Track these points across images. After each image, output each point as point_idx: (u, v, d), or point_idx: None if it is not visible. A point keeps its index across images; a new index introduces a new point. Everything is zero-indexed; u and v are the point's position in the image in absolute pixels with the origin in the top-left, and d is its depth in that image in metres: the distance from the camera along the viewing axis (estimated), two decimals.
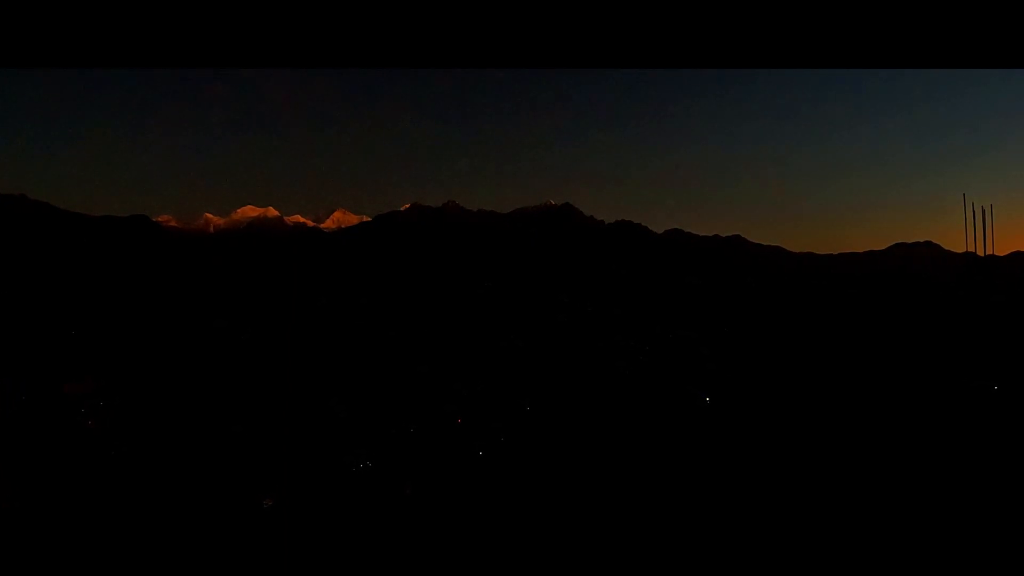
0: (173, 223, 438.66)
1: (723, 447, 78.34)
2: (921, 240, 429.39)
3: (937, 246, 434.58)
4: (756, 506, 56.09)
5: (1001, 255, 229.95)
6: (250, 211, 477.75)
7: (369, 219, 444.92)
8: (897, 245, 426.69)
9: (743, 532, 51.73)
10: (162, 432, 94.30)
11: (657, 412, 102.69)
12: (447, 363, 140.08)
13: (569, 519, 58.67)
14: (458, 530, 59.79)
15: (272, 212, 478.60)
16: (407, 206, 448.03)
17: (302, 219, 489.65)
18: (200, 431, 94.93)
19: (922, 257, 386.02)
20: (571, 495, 65.61)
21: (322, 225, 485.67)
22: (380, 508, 69.78)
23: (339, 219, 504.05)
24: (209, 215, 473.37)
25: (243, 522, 63.32)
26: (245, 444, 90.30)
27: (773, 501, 56.79)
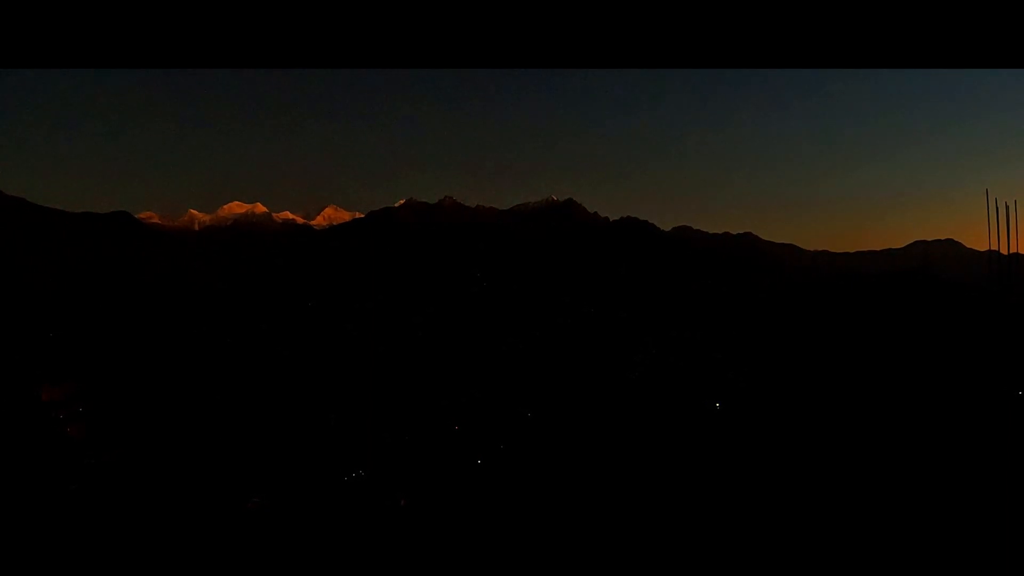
0: (156, 220, 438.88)
1: (735, 457, 78.26)
2: (942, 237, 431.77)
3: (959, 244, 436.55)
4: (771, 520, 56.05)
5: None
6: (237, 207, 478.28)
7: (362, 216, 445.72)
8: (917, 243, 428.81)
9: (758, 548, 51.70)
10: (144, 440, 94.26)
11: (665, 419, 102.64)
12: (444, 368, 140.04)
13: (572, 532, 58.62)
14: (455, 543, 59.76)
15: (260, 209, 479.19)
16: (402, 202, 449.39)
17: (291, 216, 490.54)
18: (184, 439, 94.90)
19: (943, 255, 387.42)
20: (574, 506, 65.57)
21: (312, 222, 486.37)
22: (372, 519, 69.78)
23: (330, 216, 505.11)
24: (194, 212, 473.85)
25: (225, 533, 63.31)
26: (229, 451, 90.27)
27: (789, 514, 56.74)
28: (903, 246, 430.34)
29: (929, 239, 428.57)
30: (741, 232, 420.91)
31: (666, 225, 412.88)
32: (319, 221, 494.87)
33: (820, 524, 53.69)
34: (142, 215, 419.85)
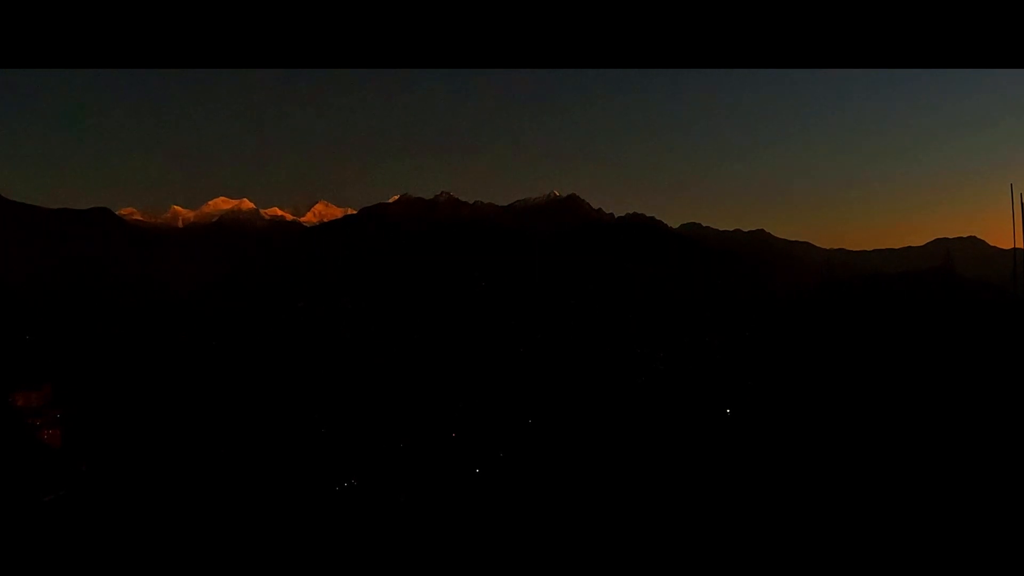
0: (138, 217, 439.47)
1: (746, 465, 78.20)
2: (964, 235, 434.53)
3: (982, 241, 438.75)
4: (783, 534, 55.95)
5: None
6: (222, 203, 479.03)
7: (354, 212, 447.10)
8: (938, 240, 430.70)
9: (767, 563, 51.61)
10: (125, 448, 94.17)
11: (672, 425, 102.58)
12: (440, 371, 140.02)
13: (575, 545, 58.54)
14: (452, 554, 59.69)
15: (247, 204, 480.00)
16: (396, 198, 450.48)
17: (280, 212, 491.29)
18: (167, 446, 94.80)
19: (965, 253, 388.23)
20: (577, 519, 65.47)
21: (302, 219, 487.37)
22: (366, 529, 69.70)
23: (321, 212, 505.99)
24: (177, 208, 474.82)
25: (212, 544, 63.26)
26: (215, 459, 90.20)
27: (802, 528, 56.65)
28: (924, 244, 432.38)
29: (951, 236, 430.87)
30: (753, 229, 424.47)
31: (674, 222, 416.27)
32: (309, 218, 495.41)
33: (837, 534, 53.61)
34: (123, 211, 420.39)
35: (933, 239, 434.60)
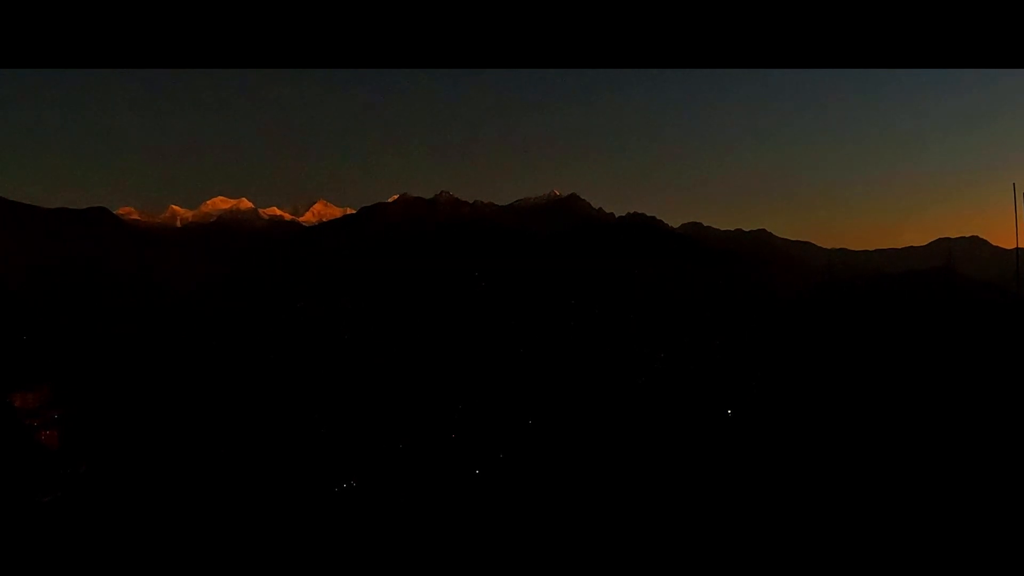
0: (135, 216, 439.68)
1: (747, 468, 78.26)
2: (967, 235, 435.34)
3: (984, 241, 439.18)
4: (784, 535, 56.02)
5: None
6: (221, 203, 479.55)
7: (354, 212, 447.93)
8: (940, 240, 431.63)
9: (769, 564, 51.64)
10: (123, 449, 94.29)
11: (673, 427, 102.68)
12: (440, 372, 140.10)
13: (575, 546, 58.59)
14: (450, 559, 59.73)
15: (245, 204, 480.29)
16: (395, 197, 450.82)
17: (279, 212, 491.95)
18: (166, 447, 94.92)
19: (968, 253, 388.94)
20: (578, 520, 65.55)
21: (301, 218, 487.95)
22: (366, 530, 69.79)
23: (320, 212, 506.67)
24: (175, 207, 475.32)
25: (210, 549, 63.35)
26: (214, 460, 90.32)
27: (804, 529, 56.71)
28: (925, 243, 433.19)
29: (953, 236, 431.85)
30: (754, 229, 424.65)
31: (675, 221, 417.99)
32: (308, 217, 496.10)
33: (839, 534, 53.66)
34: (121, 211, 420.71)
35: (935, 239, 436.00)
